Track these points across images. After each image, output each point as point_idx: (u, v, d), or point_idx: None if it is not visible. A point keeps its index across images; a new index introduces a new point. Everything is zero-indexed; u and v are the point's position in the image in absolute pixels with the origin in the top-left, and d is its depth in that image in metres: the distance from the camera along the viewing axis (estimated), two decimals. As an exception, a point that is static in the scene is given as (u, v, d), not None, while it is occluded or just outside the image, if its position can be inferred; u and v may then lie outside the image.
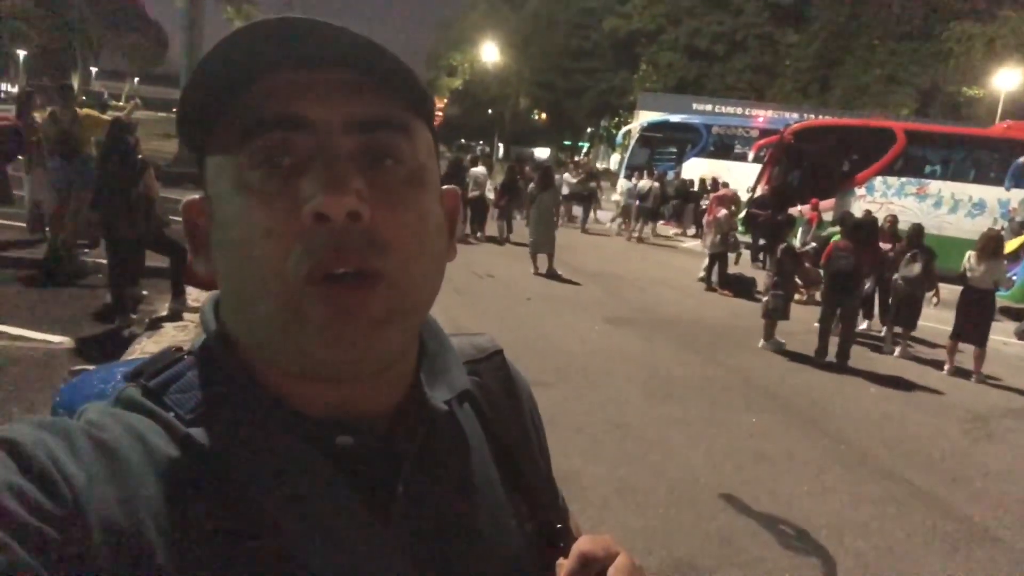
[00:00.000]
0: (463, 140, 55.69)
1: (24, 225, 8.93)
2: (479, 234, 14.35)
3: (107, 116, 8.56)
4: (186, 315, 6.11)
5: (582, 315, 8.76)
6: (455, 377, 0.66)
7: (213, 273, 0.58)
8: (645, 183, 17.29)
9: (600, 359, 6.92)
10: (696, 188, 19.65)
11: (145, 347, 5.32)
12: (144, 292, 6.68)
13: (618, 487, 4.32)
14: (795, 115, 27.90)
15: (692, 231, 19.03)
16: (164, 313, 6.07)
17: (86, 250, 8.04)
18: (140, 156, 5.90)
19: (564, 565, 0.58)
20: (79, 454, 0.49)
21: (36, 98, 9.92)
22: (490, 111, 54.19)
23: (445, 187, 0.63)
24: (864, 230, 8.42)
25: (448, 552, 0.59)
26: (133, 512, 0.49)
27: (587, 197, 18.69)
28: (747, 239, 14.56)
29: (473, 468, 0.65)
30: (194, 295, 6.59)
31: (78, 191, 7.40)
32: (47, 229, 8.10)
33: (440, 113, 65.29)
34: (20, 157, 8.78)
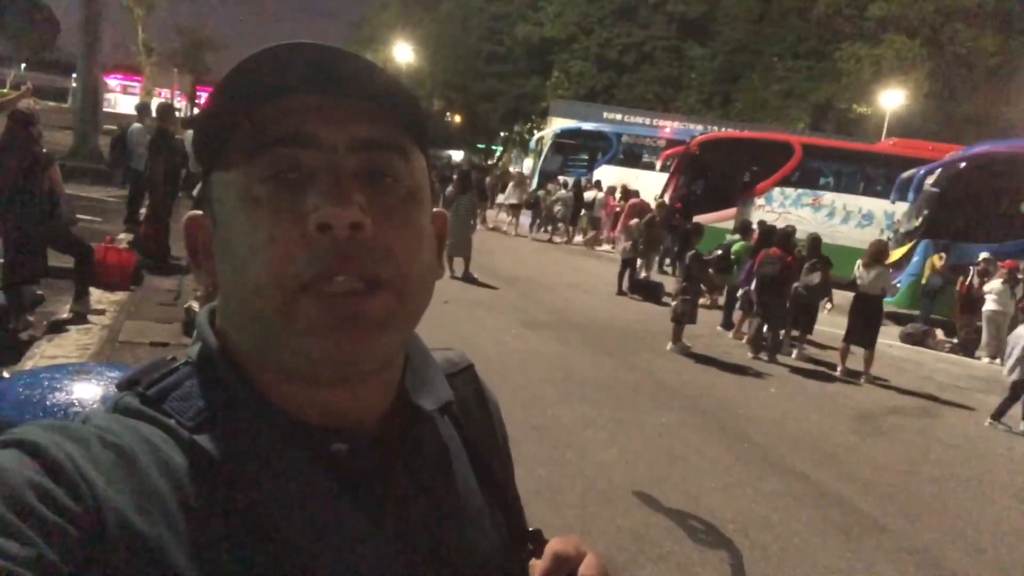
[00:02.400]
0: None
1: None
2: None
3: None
4: (90, 317, 5.84)
5: (499, 318, 8.86)
6: (439, 389, 0.69)
7: (214, 284, 0.61)
8: (591, 193, 17.92)
9: (517, 362, 7.03)
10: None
11: (45, 351, 5.07)
12: (40, 292, 6.33)
13: (537, 487, 4.41)
14: (699, 127, 28.98)
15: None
16: (65, 315, 5.78)
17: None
18: (44, 150, 5.59)
19: (538, 565, 0.62)
20: (95, 457, 0.51)
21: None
22: (403, 112, 53.66)
23: (435, 210, 0.67)
24: (790, 239, 9.05)
25: (434, 553, 0.62)
26: (148, 514, 0.51)
27: (534, 205, 19.04)
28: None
29: (455, 474, 0.68)
30: (96, 296, 6.31)
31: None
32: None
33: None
34: None
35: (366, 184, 0.57)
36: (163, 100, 15.52)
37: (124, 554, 0.48)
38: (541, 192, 19.54)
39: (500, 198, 20.18)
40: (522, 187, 19.68)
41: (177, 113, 10.41)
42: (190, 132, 11.80)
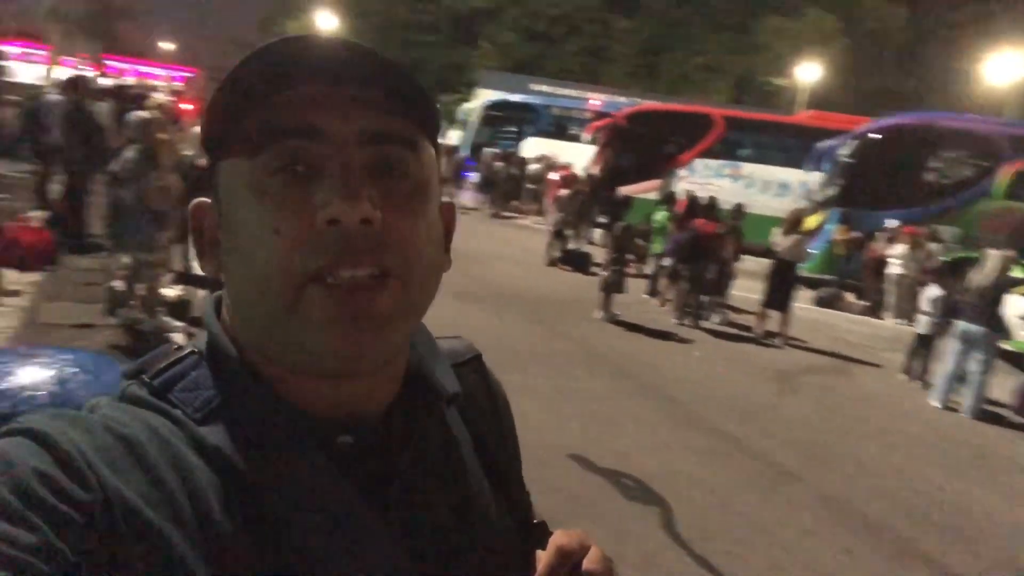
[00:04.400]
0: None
1: None
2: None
3: None
4: (3, 300, 5.63)
5: (431, 291, 8.90)
6: (445, 380, 0.69)
7: (219, 273, 0.61)
8: (536, 166, 18.24)
9: (451, 333, 7.09)
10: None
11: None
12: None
13: (475, 453, 4.54)
14: (625, 99, 29.30)
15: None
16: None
17: None
18: None
19: (543, 558, 0.62)
20: (102, 447, 0.51)
21: None
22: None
23: (443, 200, 0.66)
24: (713, 209, 9.36)
25: (440, 545, 0.62)
26: (154, 503, 0.51)
27: (490, 182, 19.02)
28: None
29: (461, 466, 0.68)
30: (11, 278, 6.09)
31: None
32: None
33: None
34: None
35: (375, 177, 0.57)
36: (77, 71, 14.77)
37: (130, 543, 0.49)
38: (499, 164, 19.29)
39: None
40: (453, 161, 19.62)
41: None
42: (103, 104, 11.27)
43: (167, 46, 58.46)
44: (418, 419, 0.65)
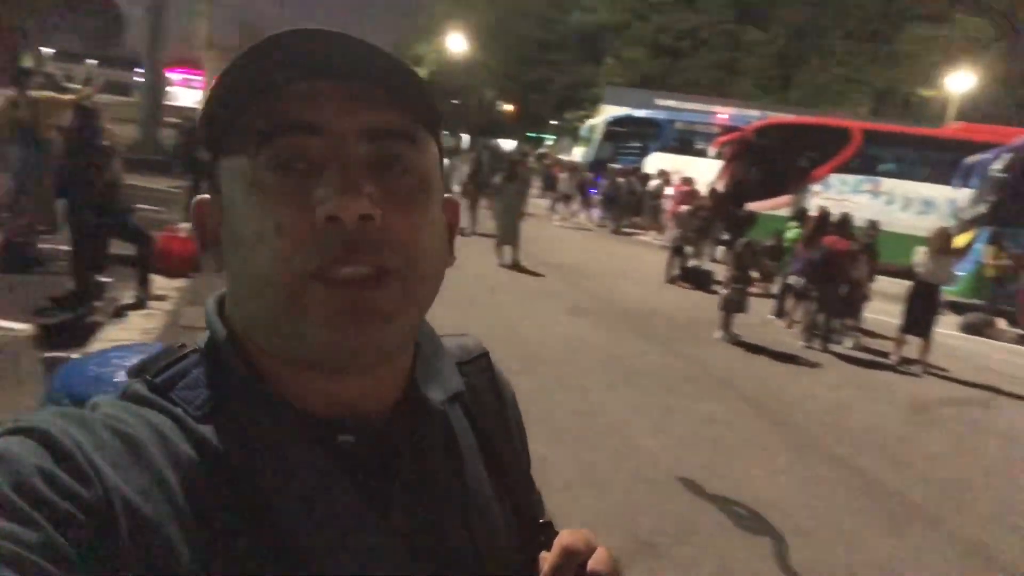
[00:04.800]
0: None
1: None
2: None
3: (66, 97, 8.43)
4: (152, 303, 6.11)
5: (546, 306, 8.91)
6: (449, 379, 0.69)
7: (221, 269, 0.61)
8: (656, 182, 18.34)
9: (563, 348, 7.08)
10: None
11: (110, 334, 5.32)
12: (108, 279, 6.64)
13: (582, 471, 4.47)
14: (755, 113, 28.39)
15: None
16: (129, 301, 6.06)
17: (44, 236, 7.93)
18: (107, 142, 5.86)
19: (548, 558, 0.61)
20: (103, 445, 0.51)
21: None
22: (455, 101, 53.97)
23: (446, 196, 0.66)
24: (845, 226, 8.88)
25: (442, 546, 0.62)
26: (154, 502, 0.51)
27: (612, 199, 19.23)
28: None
29: (464, 466, 0.67)
30: (159, 283, 6.59)
31: (38, 176, 7.31)
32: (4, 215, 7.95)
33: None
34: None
35: (376, 173, 0.57)
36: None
37: (130, 541, 0.49)
38: (621, 180, 19.25)
39: (561, 187, 20.34)
40: (576, 177, 19.73)
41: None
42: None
43: (310, 70, 62.28)
44: (421, 419, 0.64)
